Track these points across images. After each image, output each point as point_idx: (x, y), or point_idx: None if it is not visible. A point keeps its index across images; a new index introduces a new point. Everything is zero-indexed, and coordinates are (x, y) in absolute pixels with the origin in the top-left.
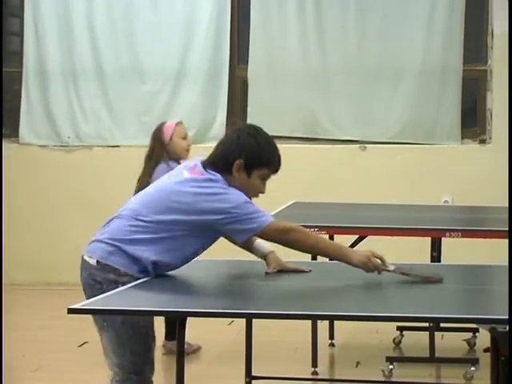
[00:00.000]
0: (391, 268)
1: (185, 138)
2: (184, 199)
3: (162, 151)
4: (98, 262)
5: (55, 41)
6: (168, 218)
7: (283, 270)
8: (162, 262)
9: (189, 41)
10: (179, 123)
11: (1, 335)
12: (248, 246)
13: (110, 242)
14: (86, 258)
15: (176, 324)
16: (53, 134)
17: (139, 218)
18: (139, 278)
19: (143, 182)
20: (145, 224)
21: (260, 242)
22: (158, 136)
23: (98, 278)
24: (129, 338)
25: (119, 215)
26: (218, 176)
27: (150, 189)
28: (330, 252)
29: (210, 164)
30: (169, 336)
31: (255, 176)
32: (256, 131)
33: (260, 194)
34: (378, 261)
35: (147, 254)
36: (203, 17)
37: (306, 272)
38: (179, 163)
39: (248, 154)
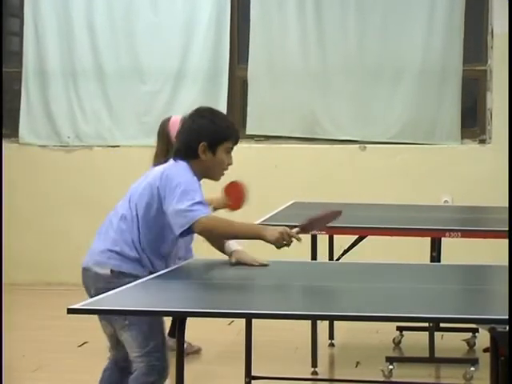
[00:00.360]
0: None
1: None
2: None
3: (168, 147)
4: (111, 271)
5: (55, 41)
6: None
7: (242, 263)
8: (153, 251)
9: (189, 40)
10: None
11: (1, 335)
12: (220, 247)
13: (115, 249)
14: (96, 270)
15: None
16: (53, 134)
17: (126, 218)
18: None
19: None
20: (130, 223)
21: (230, 242)
22: (164, 132)
23: (116, 286)
24: (150, 330)
25: (112, 222)
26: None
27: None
28: (245, 232)
29: (177, 155)
30: (172, 333)
31: (220, 152)
32: (208, 111)
33: (257, 195)
34: (291, 234)
35: (140, 250)
36: (203, 17)
37: (265, 266)
38: None
39: (208, 135)
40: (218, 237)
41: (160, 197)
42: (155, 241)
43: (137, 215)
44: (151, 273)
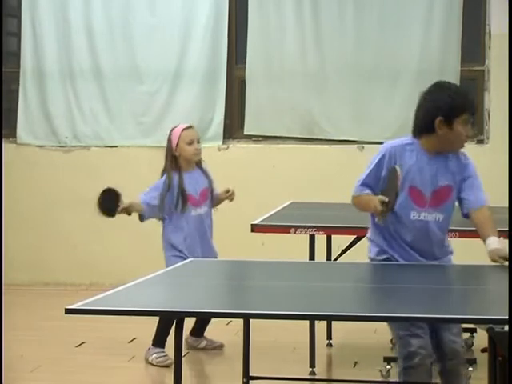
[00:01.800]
0: None
1: (192, 143)
2: None
3: (168, 158)
4: None
5: (53, 41)
6: None
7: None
8: None
9: (186, 41)
10: (187, 128)
11: (1, 335)
12: None
13: None
14: None
15: (204, 323)
16: (50, 134)
17: None
18: None
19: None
20: None
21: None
22: (168, 142)
23: None
24: None
25: None
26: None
27: None
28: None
29: (416, 131)
30: (194, 332)
31: (457, 125)
32: (441, 86)
33: (255, 195)
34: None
35: None
36: (201, 17)
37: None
38: (200, 167)
39: (444, 110)
40: None
41: None
42: None
43: None
44: None
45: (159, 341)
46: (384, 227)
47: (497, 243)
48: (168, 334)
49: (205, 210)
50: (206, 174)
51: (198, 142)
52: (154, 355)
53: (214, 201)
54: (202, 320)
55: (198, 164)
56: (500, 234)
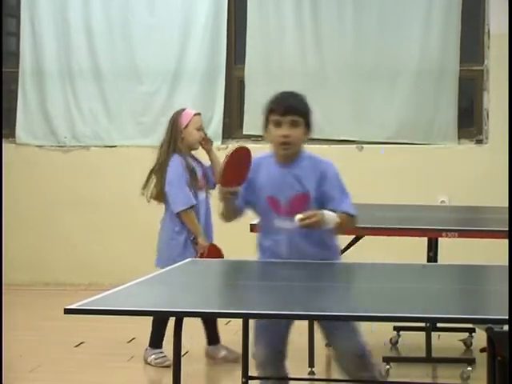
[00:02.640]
0: None
1: (200, 129)
2: None
3: (176, 137)
4: None
5: (52, 41)
6: None
7: None
8: None
9: (186, 41)
10: (197, 114)
11: (1, 335)
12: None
13: None
14: None
15: (211, 326)
16: (50, 134)
17: None
18: None
19: (163, 169)
20: None
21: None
22: (173, 122)
23: None
24: None
25: None
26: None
27: None
28: None
29: None
30: (209, 340)
31: (270, 127)
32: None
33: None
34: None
35: None
36: (200, 17)
37: None
38: (193, 155)
39: (263, 114)
40: None
41: None
42: None
43: None
44: None
45: (155, 341)
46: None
47: (327, 212)
48: (163, 333)
49: (204, 197)
50: (199, 162)
51: (202, 131)
52: (153, 356)
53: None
54: (208, 324)
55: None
56: (501, 234)
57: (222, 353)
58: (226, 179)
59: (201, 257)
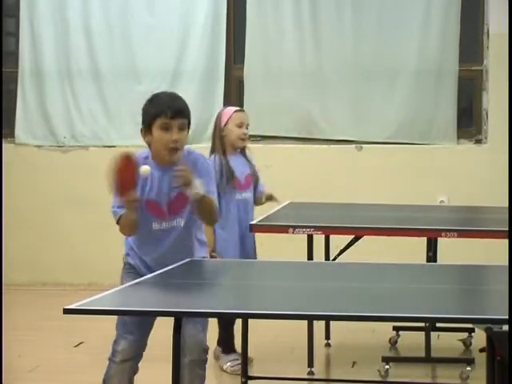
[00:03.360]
0: None
1: (241, 126)
2: None
3: (216, 137)
4: None
5: (51, 41)
6: None
7: None
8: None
9: (185, 41)
10: (239, 110)
11: (0, 336)
12: None
13: None
14: None
15: (230, 331)
16: (49, 134)
17: None
18: None
19: None
20: None
21: None
22: (216, 121)
23: None
24: None
25: None
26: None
27: None
28: None
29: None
30: (220, 343)
31: (155, 130)
32: (151, 97)
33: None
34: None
35: None
36: (199, 17)
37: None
38: (244, 154)
39: (143, 118)
40: None
41: None
42: None
43: None
44: None
45: (227, 345)
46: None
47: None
48: (232, 335)
49: (249, 195)
50: (249, 161)
51: (247, 128)
52: (229, 364)
53: (257, 195)
54: (223, 328)
55: (243, 151)
56: (500, 234)
57: (226, 365)
58: (121, 188)
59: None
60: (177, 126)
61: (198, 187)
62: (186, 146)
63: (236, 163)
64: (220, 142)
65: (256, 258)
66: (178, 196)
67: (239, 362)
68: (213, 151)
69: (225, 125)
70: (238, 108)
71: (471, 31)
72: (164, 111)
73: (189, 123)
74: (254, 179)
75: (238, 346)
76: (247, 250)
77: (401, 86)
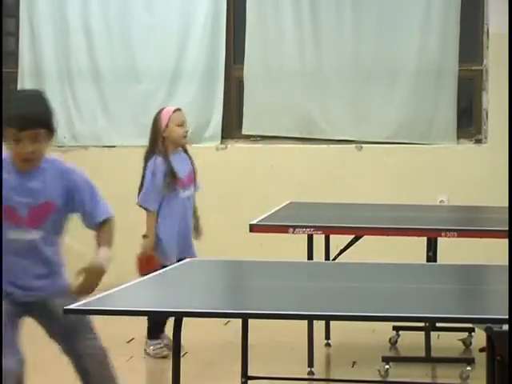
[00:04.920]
0: None
1: (181, 125)
2: None
3: (158, 139)
4: None
5: (51, 41)
6: None
7: None
8: None
9: (185, 41)
10: (177, 110)
11: (0, 336)
12: None
13: None
14: None
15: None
16: None
17: None
18: None
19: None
20: None
21: None
22: (155, 123)
23: None
24: None
25: None
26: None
27: None
28: None
29: None
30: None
31: (9, 138)
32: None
33: (253, 195)
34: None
35: None
36: (199, 17)
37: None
38: (185, 152)
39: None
40: None
41: None
42: None
43: None
44: None
45: (153, 332)
46: None
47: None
48: (163, 324)
49: (192, 193)
50: (190, 158)
51: (186, 126)
52: (151, 347)
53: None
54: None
55: (184, 148)
56: (500, 234)
57: (149, 348)
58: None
59: (139, 260)
60: (28, 137)
61: (105, 258)
62: (51, 157)
63: (178, 162)
64: (162, 143)
65: (195, 255)
66: (41, 205)
67: (161, 345)
68: (153, 153)
69: (166, 126)
70: (175, 107)
71: (471, 31)
72: (12, 122)
73: (50, 130)
74: (195, 176)
75: (237, 346)
76: (187, 247)
77: (401, 85)
